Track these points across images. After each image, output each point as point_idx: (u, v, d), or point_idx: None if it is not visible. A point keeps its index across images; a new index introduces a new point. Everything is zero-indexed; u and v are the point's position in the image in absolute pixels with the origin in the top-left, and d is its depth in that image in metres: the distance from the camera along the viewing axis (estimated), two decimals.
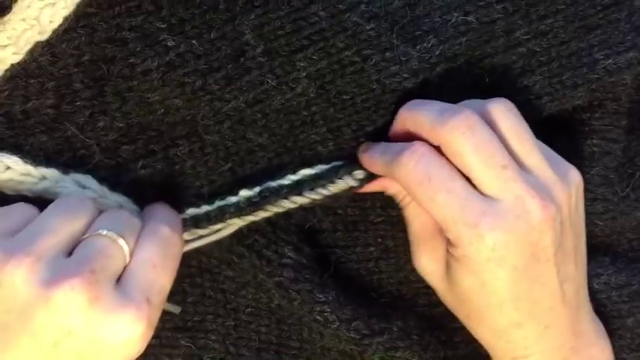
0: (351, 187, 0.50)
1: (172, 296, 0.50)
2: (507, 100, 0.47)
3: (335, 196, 0.50)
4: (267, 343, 0.52)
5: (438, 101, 0.47)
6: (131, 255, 0.43)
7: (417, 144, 0.45)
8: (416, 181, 0.45)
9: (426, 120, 0.46)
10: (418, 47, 0.48)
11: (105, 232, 0.43)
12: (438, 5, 0.49)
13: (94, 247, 0.42)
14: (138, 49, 0.47)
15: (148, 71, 0.48)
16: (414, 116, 0.47)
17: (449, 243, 0.46)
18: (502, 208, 0.44)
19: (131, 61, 0.48)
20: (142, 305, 0.41)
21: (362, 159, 0.50)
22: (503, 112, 0.46)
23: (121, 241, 0.43)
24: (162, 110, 0.49)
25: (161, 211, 0.48)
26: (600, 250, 0.55)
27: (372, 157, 0.49)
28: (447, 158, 0.45)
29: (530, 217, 0.44)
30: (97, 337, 0.40)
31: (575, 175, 0.48)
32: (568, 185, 0.47)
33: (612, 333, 0.54)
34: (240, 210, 0.48)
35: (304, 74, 0.49)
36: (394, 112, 0.49)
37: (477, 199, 0.44)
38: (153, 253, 0.44)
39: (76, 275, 0.40)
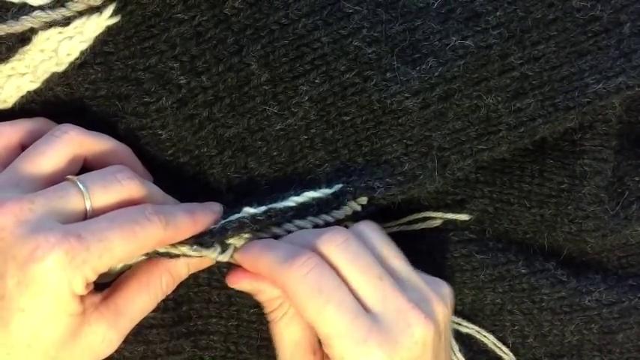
0: (355, 213, 0.50)
1: (179, 304, 0.51)
2: (373, 222, 0.48)
3: (338, 222, 0.50)
4: (267, 341, 0.52)
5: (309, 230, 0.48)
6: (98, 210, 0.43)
7: (310, 252, 0.44)
8: (305, 290, 0.43)
9: (306, 237, 0.46)
10: (418, 68, 0.49)
11: (71, 177, 0.43)
12: (436, 30, 0.50)
13: (54, 187, 0.43)
14: (152, 89, 0.49)
15: (162, 109, 0.49)
16: (293, 237, 0.47)
17: None
18: (386, 323, 0.43)
19: (145, 99, 0.49)
20: (67, 236, 0.40)
21: (243, 254, 0.47)
22: (371, 231, 0.47)
23: (82, 188, 0.42)
24: (172, 148, 0.50)
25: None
26: (591, 268, 0.56)
27: (256, 253, 0.46)
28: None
29: (413, 331, 0.43)
30: (14, 255, 0.40)
31: (447, 289, 0.48)
32: (443, 298, 0.47)
33: (602, 348, 0.56)
34: (242, 227, 0.47)
35: (306, 98, 0.50)
36: (392, 133, 0.50)
37: (364, 314, 0.43)
38: (118, 214, 0.42)
39: (13, 201, 0.41)
